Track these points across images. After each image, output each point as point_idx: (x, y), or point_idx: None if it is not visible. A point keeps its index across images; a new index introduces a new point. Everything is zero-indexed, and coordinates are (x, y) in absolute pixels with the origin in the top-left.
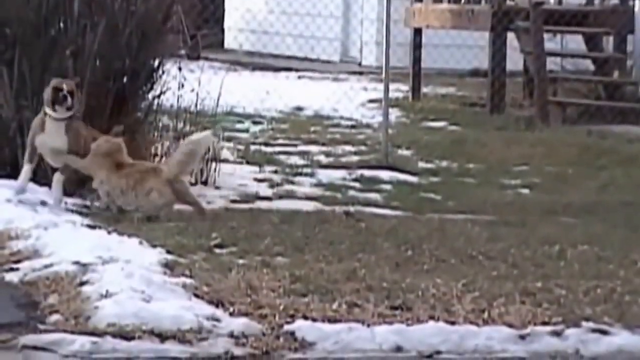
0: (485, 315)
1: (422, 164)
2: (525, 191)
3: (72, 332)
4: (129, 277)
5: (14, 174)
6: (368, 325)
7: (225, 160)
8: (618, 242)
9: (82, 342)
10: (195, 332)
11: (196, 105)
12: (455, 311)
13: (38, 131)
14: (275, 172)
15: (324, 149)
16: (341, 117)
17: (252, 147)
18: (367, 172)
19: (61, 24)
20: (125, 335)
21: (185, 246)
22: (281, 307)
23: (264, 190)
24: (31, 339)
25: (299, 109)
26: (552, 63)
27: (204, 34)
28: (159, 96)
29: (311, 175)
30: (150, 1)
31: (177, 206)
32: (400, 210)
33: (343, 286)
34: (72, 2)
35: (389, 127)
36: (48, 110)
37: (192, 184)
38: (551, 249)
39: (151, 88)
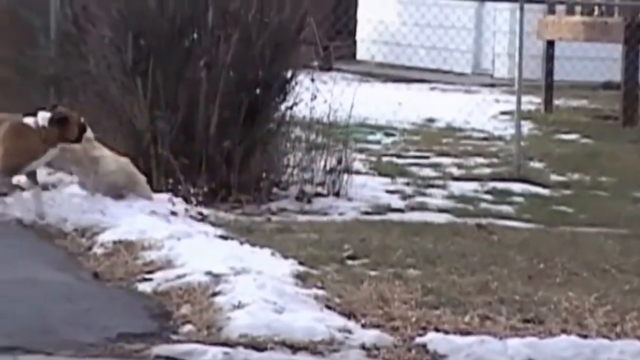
0: (618, 329)
1: (554, 177)
2: None
3: (205, 343)
4: (261, 288)
5: (149, 184)
6: (500, 338)
7: (358, 172)
8: None
9: (214, 353)
10: (327, 343)
11: (329, 117)
12: (587, 325)
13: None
14: (407, 184)
15: (455, 161)
16: (473, 129)
17: (384, 159)
18: (499, 185)
19: (195, 35)
20: (257, 346)
21: (317, 257)
22: (413, 319)
23: (396, 202)
24: (164, 349)
25: (431, 120)
26: None
27: (336, 45)
28: (291, 107)
29: (443, 187)
30: (284, 13)
31: (306, 218)
32: (532, 223)
33: (475, 299)
34: (206, 13)
35: (521, 140)
36: None
37: (324, 195)
38: None
39: (284, 99)
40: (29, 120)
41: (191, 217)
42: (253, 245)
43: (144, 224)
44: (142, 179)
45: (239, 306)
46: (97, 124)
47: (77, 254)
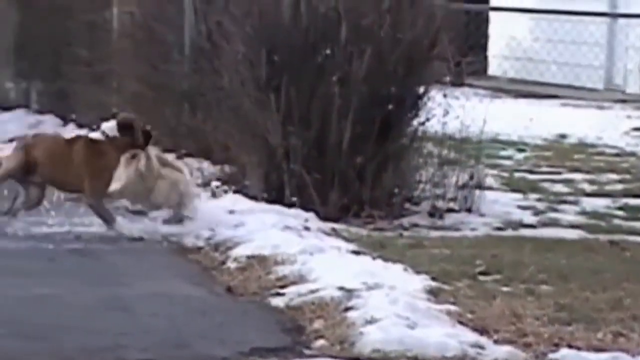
0: None
1: None
2: None
3: (337, 358)
4: (393, 303)
5: (280, 199)
6: (633, 355)
7: (489, 188)
8: None
9: None
10: (459, 359)
11: (460, 133)
12: None
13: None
14: (539, 199)
15: (587, 177)
16: (605, 145)
17: (516, 175)
18: (632, 201)
19: (328, 51)
20: None
21: (449, 273)
22: (545, 336)
23: (528, 217)
24: None
25: (563, 136)
26: None
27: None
28: (423, 123)
29: (575, 203)
30: (416, 28)
31: (438, 233)
32: None
33: (608, 315)
34: (339, 29)
35: None
36: None
37: (456, 211)
38: None
39: (416, 115)
40: (96, 135)
41: (323, 232)
42: (385, 260)
43: (277, 238)
44: (192, 199)
45: (372, 321)
46: (230, 139)
47: (211, 268)
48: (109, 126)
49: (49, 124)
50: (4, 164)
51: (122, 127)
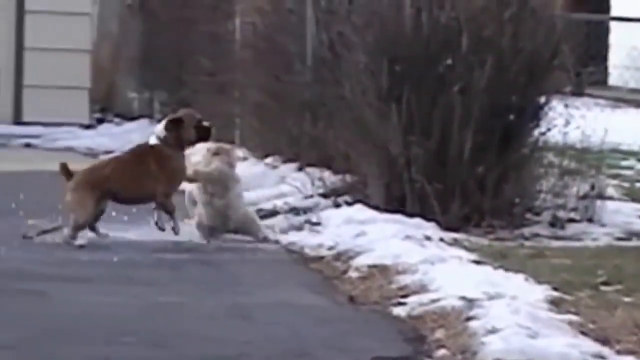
0: None
1: None
2: None
3: None
4: (515, 313)
5: (401, 209)
6: None
7: (611, 198)
8: None
9: None
10: None
11: (582, 143)
12: None
13: None
14: None
15: None
16: None
17: (638, 185)
18: None
19: (449, 61)
20: None
21: (571, 283)
22: None
23: None
24: None
25: None
26: None
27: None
28: (544, 133)
29: None
30: (537, 38)
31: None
32: None
33: None
34: (460, 39)
35: None
36: None
37: (577, 221)
38: None
39: (537, 125)
40: (154, 140)
41: (445, 242)
42: (507, 270)
43: (398, 248)
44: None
45: (493, 331)
46: (351, 149)
47: (333, 277)
48: (159, 127)
49: None
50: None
51: (170, 125)
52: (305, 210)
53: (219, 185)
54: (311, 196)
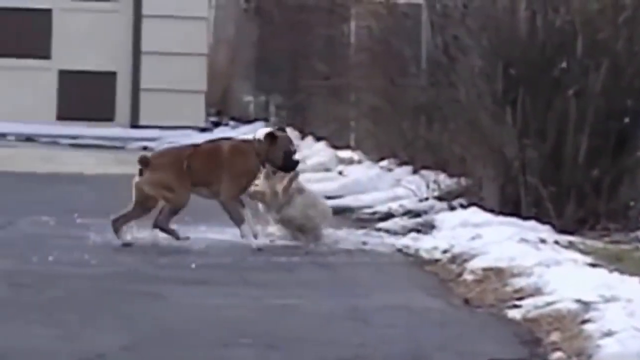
0: None
1: None
2: None
3: None
4: (631, 316)
5: (516, 212)
6: None
7: None
8: None
9: None
10: None
11: None
12: None
13: None
14: None
15: None
16: None
17: None
18: None
19: (564, 64)
20: None
21: None
22: None
23: None
24: None
25: None
26: None
27: None
28: None
29: None
30: None
31: None
32: None
33: None
34: (575, 42)
35: None
36: None
37: None
38: None
39: None
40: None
41: (559, 244)
42: (622, 273)
43: (513, 251)
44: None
45: (609, 334)
46: (466, 152)
47: (448, 280)
48: (260, 132)
49: None
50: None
51: (267, 136)
52: (420, 213)
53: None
54: (426, 199)
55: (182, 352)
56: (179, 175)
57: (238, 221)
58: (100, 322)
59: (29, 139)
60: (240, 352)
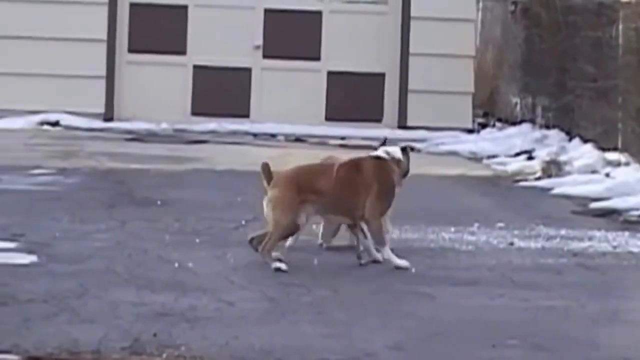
0: None
1: None
2: None
3: None
4: None
5: None
6: None
7: None
8: None
9: None
10: None
11: None
12: None
13: None
14: None
15: None
16: None
17: None
18: None
19: None
20: None
21: None
22: None
23: None
24: None
25: None
26: None
27: None
28: None
29: None
30: None
31: None
32: None
33: None
34: None
35: None
36: None
37: None
38: None
39: None
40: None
41: None
42: None
43: None
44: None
45: None
46: None
47: None
48: (394, 149)
49: (554, 139)
50: None
51: (405, 151)
52: None
53: None
54: None
55: (451, 352)
56: None
57: (381, 243)
58: (369, 322)
59: (298, 139)
60: (507, 353)
